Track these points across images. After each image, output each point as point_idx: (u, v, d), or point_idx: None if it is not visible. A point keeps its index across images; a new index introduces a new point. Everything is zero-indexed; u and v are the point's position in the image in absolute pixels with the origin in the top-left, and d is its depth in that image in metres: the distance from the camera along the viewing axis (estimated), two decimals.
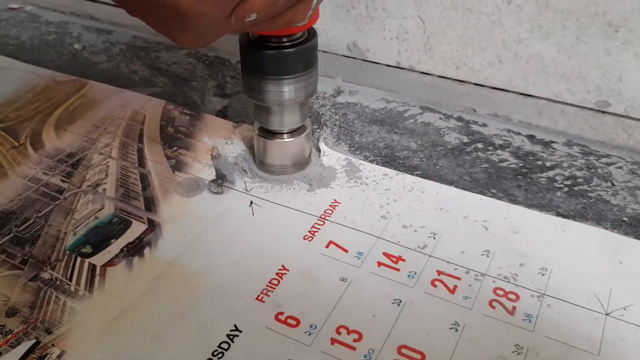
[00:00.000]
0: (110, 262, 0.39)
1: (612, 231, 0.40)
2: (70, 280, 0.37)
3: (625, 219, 0.41)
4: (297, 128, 0.44)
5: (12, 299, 0.36)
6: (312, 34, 0.41)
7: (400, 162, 0.47)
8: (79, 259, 0.39)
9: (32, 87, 0.56)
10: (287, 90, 0.41)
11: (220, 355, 0.33)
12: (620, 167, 0.46)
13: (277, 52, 0.39)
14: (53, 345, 0.33)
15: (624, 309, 0.35)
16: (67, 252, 0.39)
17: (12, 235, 0.41)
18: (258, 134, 0.44)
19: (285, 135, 0.44)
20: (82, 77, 0.58)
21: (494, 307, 0.35)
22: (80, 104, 0.54)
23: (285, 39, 0.40)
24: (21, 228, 0.41)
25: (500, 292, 0.36)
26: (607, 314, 0.35)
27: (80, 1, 0.69)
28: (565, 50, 0.46)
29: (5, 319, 0.35)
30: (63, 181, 0.45)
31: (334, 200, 0.43)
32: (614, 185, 0.44)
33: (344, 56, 0.56)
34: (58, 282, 0.37)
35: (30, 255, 0.39)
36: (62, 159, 0.47)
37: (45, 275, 0.38)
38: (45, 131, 0.50)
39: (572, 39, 0.46)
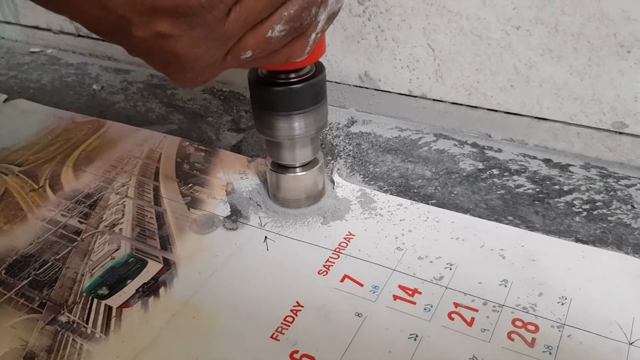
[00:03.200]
0: (126, 304, 0.39)
1: (634, 256, 0.39)
2: (87, 322, 0.38)
3: None
4: (309, 161, 0.44)
5: (30, 343, 0.37)
6: (319, 68, 0.41)
7: (415, 191, 0.47)
8: (95, 301, 0.39)
9: (52, 129, 0.58)
10: (298, 125, 0.41)
11: None
12: None
13: (285, 88, 0.40)
14: None
15: None
16: (84, 294, 0.40)
17: (30, 278, 0.41)
18: (271, 169, 0.45)
19: (297, 169, 0.44)
20: (100, 117, 0.59)
21: (512, 340, 0.35)
22: (98, 144, 0.55)
23: (293, 75, 0.40)
24: (39, 271, 0.42)
25: (519, 324, 0.35)
26: (630, 343, 0.34)
27: (97, 43, 0.70)
28: (578, 73, 0.46)
29: None
30: (80, 222, 0.46)
31: (349, 232, 0.43)
32: (634, 208, 0.43)
33: (356, 86, 0.56)
34: (75, 325, 0.38)
35: (48, 299, 0.40)
36: (80, 200, 0.48)
37: (63, 318, 0.38)
38: (63, 173, 0.51)
39: (584, 61, 0.45)
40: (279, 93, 0.40)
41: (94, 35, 0.68)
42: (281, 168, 0.44)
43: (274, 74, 0.40)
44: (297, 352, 0.35)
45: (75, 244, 0.44)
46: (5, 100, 0.63)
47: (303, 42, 0.34)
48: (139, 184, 0.49)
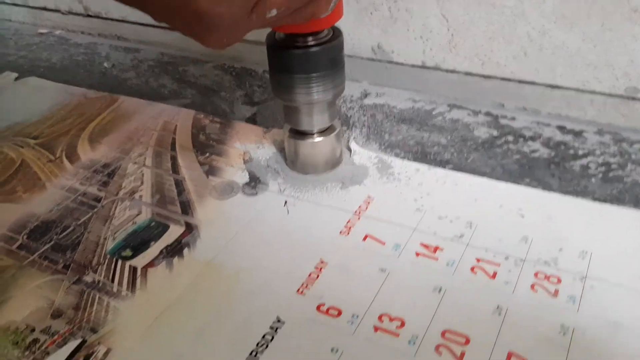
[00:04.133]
0: (151, 264, 0.39)
1: None
2: (113, 282, 0.38)
3: None
4: (326, 128, 0.45)
5: (57, 301, 0.37)
6: (337, 33, 0.42)
7: (432, 157, 0.47)
8: (119, 262, 0.39)
9: (65, 104, 0.58)
10: (316, 88, 0.41)
11: (264, 346, 0.33)
12: None
13: (304, 51, 0.40)
14: (99, 343, 0.34)
15: None
16: (108, 256, 0.40)
17: (53, 242, 0.41)
18: (289, 136, 0.45)
19: (315, 136, 0.45)
20: (112, 93, 0.59)
21: (536, 291, 0.35)
22: (112, 117, 0.55)
23: (311, 38, 0.40)
24: (62, 235, 0.42)
25: (542, 276, 0.36)
26: None
27: (107, 22, 0.70)
28: (591, 39, 0.46)
29: (51, 320, 0.36)
30: (100, 190, 0.46)
31: (368, 196, 0.43)
32: None
33: (369, 59, 0.57)
34: (101, 285, 0.38)
35: (72, 261, 0.40)
36: (98, 170, 0.48)
37: (88, 278, 0.38)
38: (80, 144, 0.52)
39: (597, 27, 0.46)
40: (297, 56, 0.40)
41: (104, 15, 0.69)
42: (299, 134, 0.45)
43: (292, 38, 0.40)
44: (323, 305, 0.35)
45: (95, 210, 0.44)
46: (17, 79, 0.63)
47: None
48: (156, 154, 0.50)
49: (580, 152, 0.46)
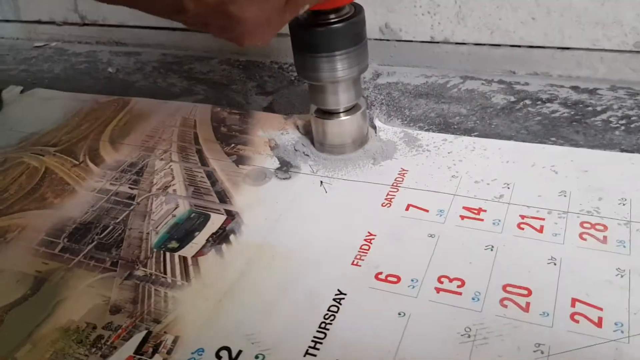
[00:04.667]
0: (200, 253, 0.39)
1: None
2: (165, 273, 0.38)
3: None
4: (353, 106, 0.45)
5: (112, 297, 0.37)
6: (358, 8, 0.42)
7: (455, 127, 0.48)
8: (168, 254, 0.39)
9: (77, 111, 0.58)
10: (340, 65, 0.42)
11: (332, 317, 0.33)
12: None
13: (326, 28, 0.40)
14: (165, 333, 0.34)
15: None
16: (155, 250, 0.40)
17: (95, 242, 0.41)
18: (315, 116, 0.45)
19: (342, 114, 0.45)
20: (122, 96, 0.59)
21: (585, 239, 0.36)
22: (129, 119, 0.55)
23: (333, 15, 0.41)
24: (102, 235, 0.42)
25: (588, 225, 0.37)
26: None
27: (104, 29, 0.70)
28: None
29: (111, 316, 0.36)
30: (132, 188, 0.46)
31: (401, 169, 0.44)
32: None
33: (377, 39, 0.57)
34: (154, 277, 0.38)
35: (119, 258, 0.40)
36: (125, 169, 0.48)
37: (139, 272, 0.38)
38: (101, 147, 0.51)
39: None
40: (320, 34, 0.41)
41: (101, 22, 0.69)
42: (326, 114, 0.45)
43: (314, 16, 0.41)
44: (381, 273, 0.36)
45: (132, 207, 0.44)
46: (22, 91, 0.62)
47: None
48: (181, 149, 0.50)
49: (599, 109, 0.47)
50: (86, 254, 0.40)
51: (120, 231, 0.42)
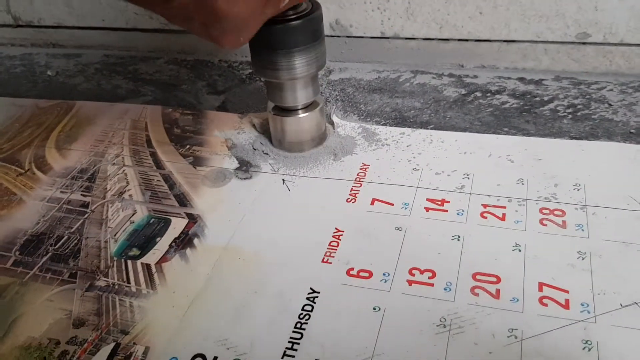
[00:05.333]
0: (164, 259, 0.38)
1: (625, 142, 0.43)
2: (129, 282, 0.37)
3: (632, 131, 0.44)
4: (311, 103, 0.45)
5: (74, 310, 0.35)
6: (315, 5, 0.42)
7: (411, 120, 0.49)
8: (129, 262, 0.38)
9: (17, 117, 0.55)
10: (299, 63, 0.41)
11: (307, 317, 0.33)
12: (611, 90, 0.49)
13: (284, 25, 0.40)
14: (135, 343, 0.33)
15: None
16: (115, 259, 0.38)
17: (50, 254, 0.39)
18: (273, 114, 0.45)
19: (300, 111, 0.45)
20: (65, 100, 0.56)
21: (545, 225, 0.37)
22: (75, 123, 0.53)
23: (290, 12, 0.40)
24: (57, 246, 0.40)
25: (547, 211, 0.38)
26: None
27: (40, 31, 0.67)
28: None
29: (75, 330, 0.34)
30: (84, 195, 0.44)
31: (363, 164, 0.44)
32: (611, 105, 0.47)
33: (328, 36, 0.57)
34: (117, 287, 0.36)
35: (77, 268, 0.38)
36: (76, 176, 0.46)
37: (101, 283, 0.37)
38: (47, 154, 0.49)
39: None
40: (278, 31, 0.40)
41: (36, 23, 0.66)
42: (284, 111, 0.45)
43: None
44: (352, 269, 0.36)
45: (86, 215, 0.42)
46: None
47: None
48: (134, 153, 0.48)
49: (546, 98, 0.49)
50: (41, 267, 0.38)
51: (76, 241, 0.40)
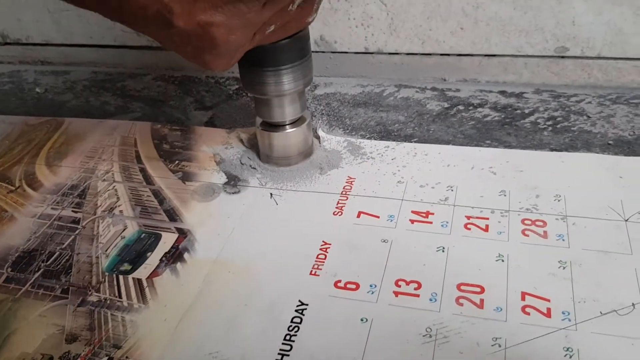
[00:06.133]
0: (154, 273, 0.39)
1: (603, 154, 0.44)
2: (120, 297, 0.37)
3: (610, 142, 0.46)
4: (298, 118, 0.46)
5: (67, 326, 0.36)
6: None
7: (396, 134, 0.50)
8: (121, 277, 0.39)
9: (6, 134, 0.55)
10: (287, 80, 0.42)
11: (296, 329, 0.34)
12: (590, 102, 0.51)
13: (272, 44, 0.41)
14: (127, 357, 0.33)
15: (639, 213, 0.39)
16: (107, 274, 0.39)
17: (42, 270, 0.40)
18: (261, 129, 0.46)
19: (288, 127, 0.46)
20: (55, 117, 0.57)
21: (527, 235, 0.38)
22: (64, 140, 0.53)
23: None
24: (49, 262, 0.40)
25: (528, 222, 0.39)
26: (626, 220, 0.38)
27: (28, 48, 0.67)
28: (521, 7, 0.51)
29: (68, 345, 0.34)
30: (75, 212, 0.45)
31: (348, 177, 0.45)
32: (589, 117, 0.49)
33: (313, 52, 0.58)
34: (109, 302, 0.37)
35: (69, 284, 0.38)
36: (67, 192, 0.47)
37: (93, 298, 0.37)
38: (38, 171, 0.49)
39: None
40: (267, 50, 0.41)
41: (24, 40, 0.66)
42: (272, 127, 0.46)
43: None
44: (339, 281, 0.36)
45: (77, 231, 0.43)
46: None
47: (311, 4, 0.36)
48: (124, 169, 0.49)
49: (527, 111, 0.50)
50: (33, 283, 0.39)
51: (67, 257, 0.41)
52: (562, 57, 0.52)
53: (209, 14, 0.31)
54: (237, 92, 0.59)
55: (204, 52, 0.34)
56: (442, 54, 0.55)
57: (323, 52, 0.58)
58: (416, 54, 0.56)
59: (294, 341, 0.33)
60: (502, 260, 0.37)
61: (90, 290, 0.38)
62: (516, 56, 0.53)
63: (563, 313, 0.33)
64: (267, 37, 0.37)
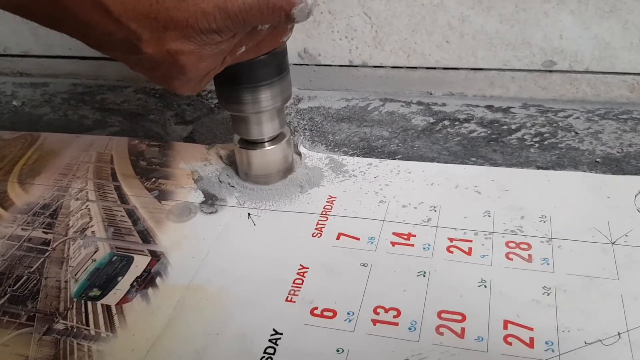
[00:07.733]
0: (124, 299, 0.37)
1: (591, 172, 0.43)
2: (88, 325, 0.36)
3: (598, 160, 0.44)
4: (277, 135, 0.44)
5: (31, 356, 0.34)
6: None
7: (379, 150, 0.48)
8: (89, 303, 0.37)
9: None
10: (264, 97, 0.41)
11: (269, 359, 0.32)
12: (578, 118, 0.49)
13: (249, 60, 0.40)
14: None
15: (626, 235, 0.37)
16: (75, 300, 0.37)
17: (8, 295, 0.38)
18: (239, 147, 0.44)
19: (266, 144, 0.44)
20: (30, 131, 0.55)
21: (511, 259, 0.37)
22: (38, 156, 0.52)
23: None
24: (16, 287, 0.39)
25: (513, 245, 0.38)
26: (613, 243, 0.37)
27: (6, 59, 0.66)
28: (507, 20, 0.49)
29: None
30: (46, 232, 0.43)
31: (329, 196, 0.44)
32: (577, 133, 0.47)
33: (296, 64, 0.57)
34: (75, 330, 0.35)
35: (35, 311, 0.37)
36: (38, 212, 0.45)
37: (59, 326, 0.36)
38: (9, 189, 0.48)
39: (511, 8, 0.49)
40: (243, 66, 0.40)
41: (1, 52, 0.65)
42: (250, 144, 0.44)
43: None
44: (316, 308, 0.35)
45: (47, 254, 0.41)
46: None
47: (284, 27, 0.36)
48: (98, 187, 0.47)
49: (514, 127, 0.49)
50: None
51: (35, 281, 0.39)
52: (550, 71, 0.51)
53: (180, 42, 0.30)
54: (218, 105, 0.57)
55: (173, 78, 0.33)
56: (427, 68, 0.54)
57: (307, 64, 0.57)
58: (401, 67, 0.55)
59: None
60: (485, 286, 0.35)
61: (57, 318, 0.36)
62: (503, 70, 0.52)
63: (546, 343, 0.32)
64: (238, 58, 0.36)
